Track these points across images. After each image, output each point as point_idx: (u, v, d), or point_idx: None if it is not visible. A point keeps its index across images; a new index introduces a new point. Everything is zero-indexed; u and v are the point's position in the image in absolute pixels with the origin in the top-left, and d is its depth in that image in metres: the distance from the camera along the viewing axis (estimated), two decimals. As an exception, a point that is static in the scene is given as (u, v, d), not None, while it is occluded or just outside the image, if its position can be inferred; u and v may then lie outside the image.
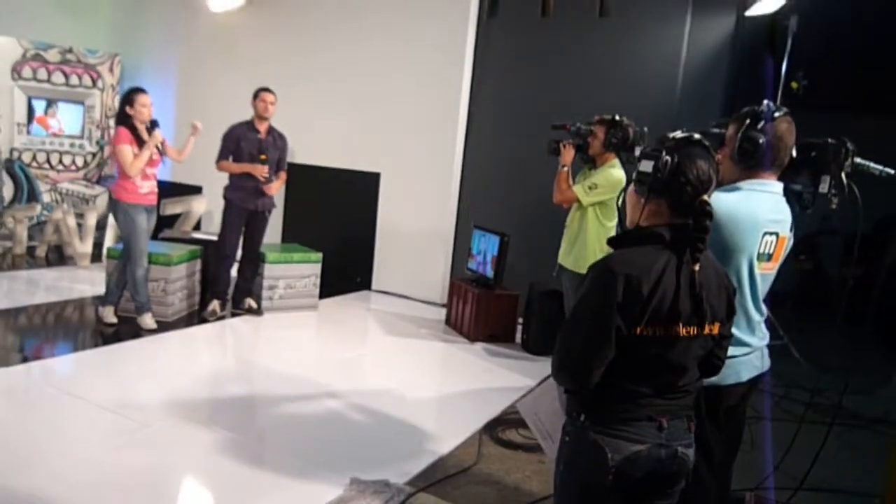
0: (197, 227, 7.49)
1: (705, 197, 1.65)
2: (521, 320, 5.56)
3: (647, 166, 1.67)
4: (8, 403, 3.63)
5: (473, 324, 5.49)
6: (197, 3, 7.42)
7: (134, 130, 4.62)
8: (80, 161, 7.99)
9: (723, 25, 5.24)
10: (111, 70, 8.04)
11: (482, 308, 5.46)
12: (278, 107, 5.34)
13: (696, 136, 1.73)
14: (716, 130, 2.34)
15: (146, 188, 4.72)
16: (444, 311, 6.12)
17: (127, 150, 4.57)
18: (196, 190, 7.66)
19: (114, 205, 4.73)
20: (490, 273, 5.50)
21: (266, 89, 5.25)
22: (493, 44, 6.30)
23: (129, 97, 4.65)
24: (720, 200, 1.99)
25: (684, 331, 1.63)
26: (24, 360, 4.30)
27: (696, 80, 5.21)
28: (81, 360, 4.41)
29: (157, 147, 4.70)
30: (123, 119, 4.63)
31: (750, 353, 2.27)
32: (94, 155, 8.05)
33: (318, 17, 7.14)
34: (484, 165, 6.40)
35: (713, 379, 1.92)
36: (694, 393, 1.75)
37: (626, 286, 1.57)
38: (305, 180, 7.00)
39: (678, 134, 1.71)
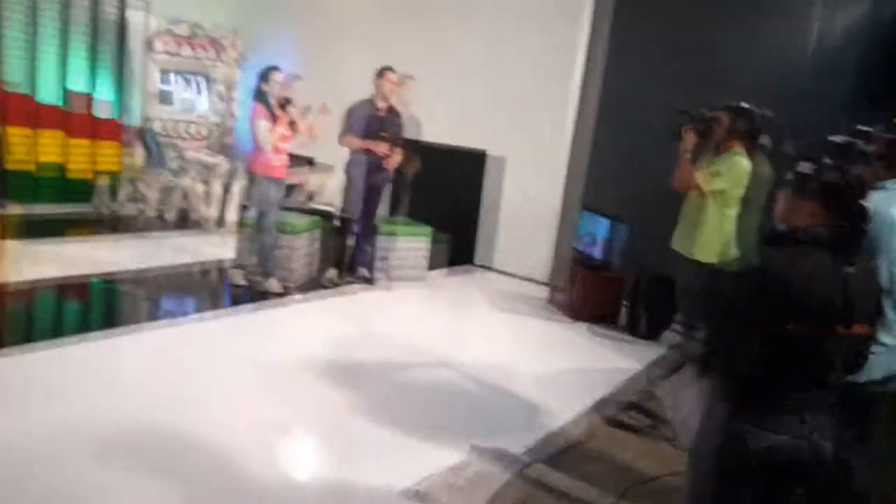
0: (310, 198, 7.87)
1: (862, 200, 1.69)
2: (626, 303, 5.59)
3: (806, 168, 1.73)
4: (150, 359, 4.00)
5: (578, 304, 5.57)
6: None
7: (269, 106, 4.93)
8: (204, 131, 8.50)
9: (858, 7, 5.01)
10: (234, 45, 8.47)
11: (587, 289, 5.53)
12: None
13: (855, 140, 1.77)
14: (864, 129, 2.33)
15: (278, 162, 5.05)
16: (547, 290, 6.22)
17: (262, 125, 4.89)
18: (308, 162, 8.02)
19: (248, 176, 5.09)
20: (598, 255, 5.55)
21: (389, 69, 5.43)
22: (611, 23, 6.24)
23: (265, 74, 4.95)
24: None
25: (834, 329, 1.69)
26: (162, 318, 4.73)
27: (827, 65, 5.02)
28: (215, 319, 4.79)
29: (291, 123, 5.00)
30: (259, 95, 4.94)
31: (885, 352, 2.28)
32: (217, 125, 8.55)
33: None
34: (596, 145, 6.40)
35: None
36: (837, 389, 1.81)
37: (780, 284, 1.64)
38: (416, 156, 7.20)
39: (837, 139, 1.75)
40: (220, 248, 6.63)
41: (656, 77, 5.78)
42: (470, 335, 5.24)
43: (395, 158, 5.61)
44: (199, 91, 8.48)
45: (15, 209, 6.98)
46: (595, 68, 6.35)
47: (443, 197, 7.17)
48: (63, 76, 7.67)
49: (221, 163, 8.36)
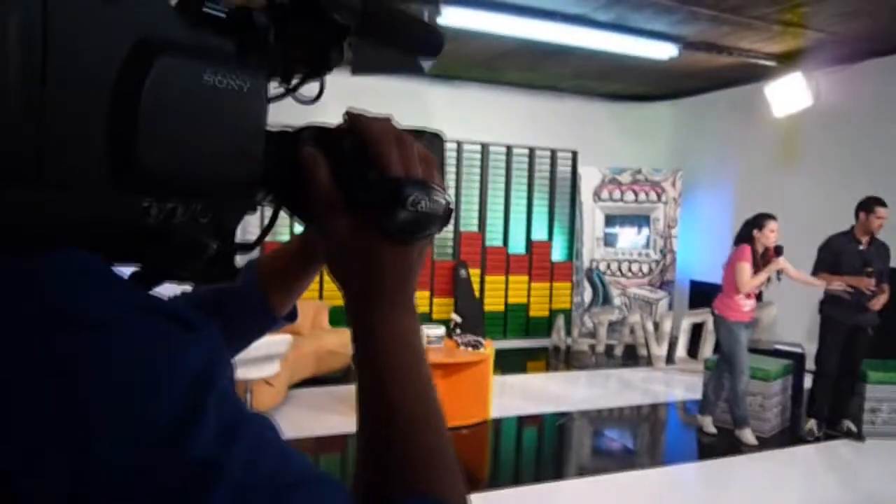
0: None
1: None
2: None
3: None
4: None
5: None
6: (756, 111, 7.57)
7: (755, 252, 4.87)
8: (645, 268, 8.84)
9: None
10: (673, 184, 8.77)
11: None
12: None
13: None
14: None
15: (748, 306, 4.91)
16: None
17: (746, 267, 4.83)
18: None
19: (717, 320, 5.04)
20: None
21: (878, 201, 4.92)
22: None
23: (757, 221, 4.93)
24: None
25: None
26: (629, 463, 4.78)
27: None
28: (692, 470, 4.68)
29: (776, 273, 4.84)
30: (748, 239, 4.91)
31: None
32: (657, 262, 8.81)
33: (890, 116, 6.50)
34: None
35: None
36: None
37: None
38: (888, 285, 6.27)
39: None
40: (669, 386, 6.63)
41: None
42: None
43: (884, 297, 4.95)
44: (639, 231, 8.93)
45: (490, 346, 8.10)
46: None
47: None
48: (528, 228, 8.90)
49: (661, 297, 8.52)
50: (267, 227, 0.57)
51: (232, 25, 0.47)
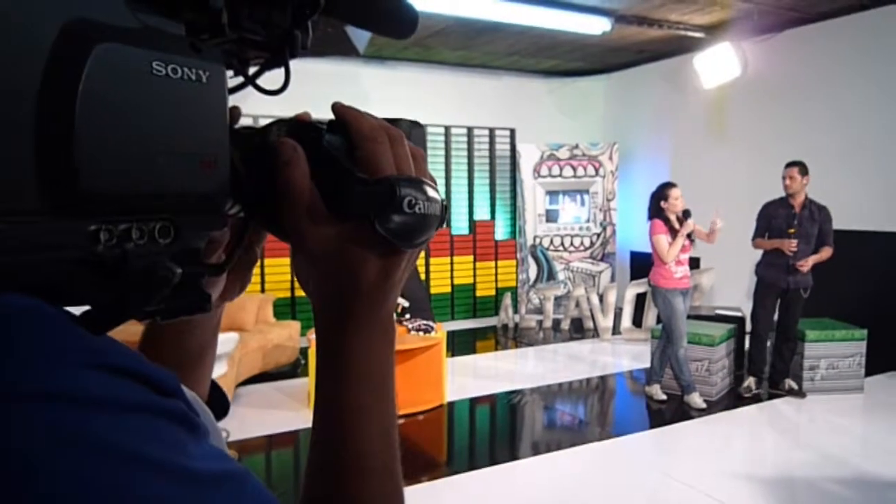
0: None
1: None
2: None
3: None
4: (586, 476, 4.12)
5: None
6: (687, 82, 7.73)
7: (667, 221, 4.99)
8: (586, 242, 8.95)
9: None
10: (610, 158, 8.89)
11: None
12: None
13: None
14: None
15: (680, 273, 5.03)
16: None
17: (663, 239, 4.95)
18: (696, 263, 7.83)
19: (653, 290, 5.15)
20: None
21: (791, 164, 5.11)
22: None
23: (662, 192, 5.04)
24: None
25: None
26: (588, 436, 4.86)
27: None
28: (643, 439, 4.77)
29: (689, 235, 4.98)
30: (658, 212, 5.03)
31: None
32: (598, 235, 8.94)
33: (816, 83, 6.72)
34: None
35: None
36: None
37: None
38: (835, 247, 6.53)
39: None
40: (617, 357, 6.76)
41: None
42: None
43: (816, 257, 5.13)
44: (581, 204, 9.02)
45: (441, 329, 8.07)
46: None
47: (875, 290, 6.27)
48: (470, 209, 8.88)
49: (603, 269, 8.66)
50: (235, 243, 0.50)
51: (180, 4, 0.39)
